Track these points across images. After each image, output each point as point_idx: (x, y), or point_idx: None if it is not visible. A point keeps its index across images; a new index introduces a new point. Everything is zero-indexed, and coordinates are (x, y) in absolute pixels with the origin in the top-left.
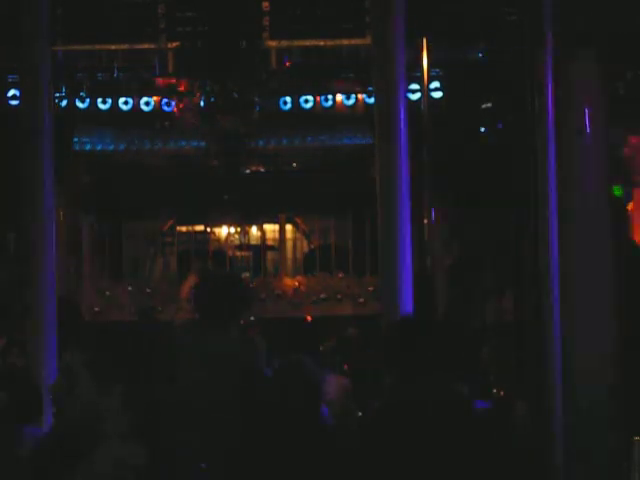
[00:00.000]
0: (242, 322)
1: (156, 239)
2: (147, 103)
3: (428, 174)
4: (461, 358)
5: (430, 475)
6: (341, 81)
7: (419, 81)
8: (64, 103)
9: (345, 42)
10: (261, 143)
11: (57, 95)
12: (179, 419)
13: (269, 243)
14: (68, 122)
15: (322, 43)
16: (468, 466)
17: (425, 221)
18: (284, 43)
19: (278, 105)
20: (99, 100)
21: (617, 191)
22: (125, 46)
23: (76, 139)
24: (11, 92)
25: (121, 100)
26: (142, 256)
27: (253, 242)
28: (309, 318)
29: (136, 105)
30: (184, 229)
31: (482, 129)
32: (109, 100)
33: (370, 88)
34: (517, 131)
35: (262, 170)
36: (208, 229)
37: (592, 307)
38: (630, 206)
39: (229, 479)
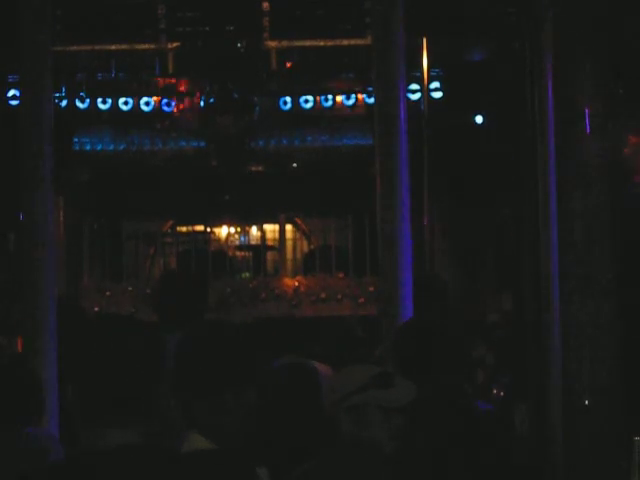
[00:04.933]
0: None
1: (156, 239)
2: (147, 103)
3: (428, 174)
4: (466, 359)
5: (436, 476)
6: (341, 81)
7: (419, 81)
8: (64, 103)
9: (345, 42)
10: (261, 143)
11: (57, 95)
12: None
13: (269, 243)
14: (68, 122)
15: (322, 43)
16: (472, 468)
17: (425, 221)
18: (284, 43)
19: (278, 105)
20: (99, 100)
21: None
22: (125, 46)
23: (76, 139)
24: (11, 92)
25: (121, 100)
26: (142, 256)
27: (253, 242)
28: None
29: (136, 105)
30: (184, 229)
31: (481, 129)
32: (109, 100)
33: (370, 88)
34: (517, 131)
35: (262, 170)
36: (208, 229)
37: (593, 307)
38: None
39: None
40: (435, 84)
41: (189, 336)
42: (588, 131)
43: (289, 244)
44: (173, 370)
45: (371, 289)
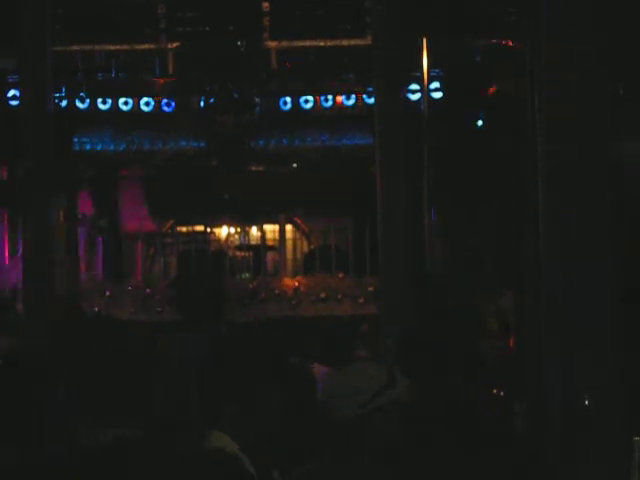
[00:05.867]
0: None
1: (156, 239)
2: (147, 103)
3: (428, 174)
4: (466, 358)
5: (436, 476)
6: (341, 81)
7: (419, 81)
8: (64, 103)
9: (345, 42)
10: (261, 143)
11: (57, 95)
12: None
13: (269, 243)
14: (68, 122)
15: (322, 43)
16: (472, 468)
17: (425, 221)
18: (284, 43)
19: (278, 105)
20: (99, 100)
21: None
22: (125, 46)
23: (76, 139)
24: (11, 92)
25: (121, 100)
26: (142, 256)
27: (253, 242)
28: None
29: (136, 105)
30: (184, 229)
31: (481, 129)
32: (109, 100)
33: (370, 88)
34: (517, 131)
35: (262, 170)
36: (208, 229)
37: (592, 307)
38: None
39: None
40: (435, 84)
41: (217, 338)
42: (588, 131)
43: (289, 244)
44: (200, 370)
45: (371, 289)
